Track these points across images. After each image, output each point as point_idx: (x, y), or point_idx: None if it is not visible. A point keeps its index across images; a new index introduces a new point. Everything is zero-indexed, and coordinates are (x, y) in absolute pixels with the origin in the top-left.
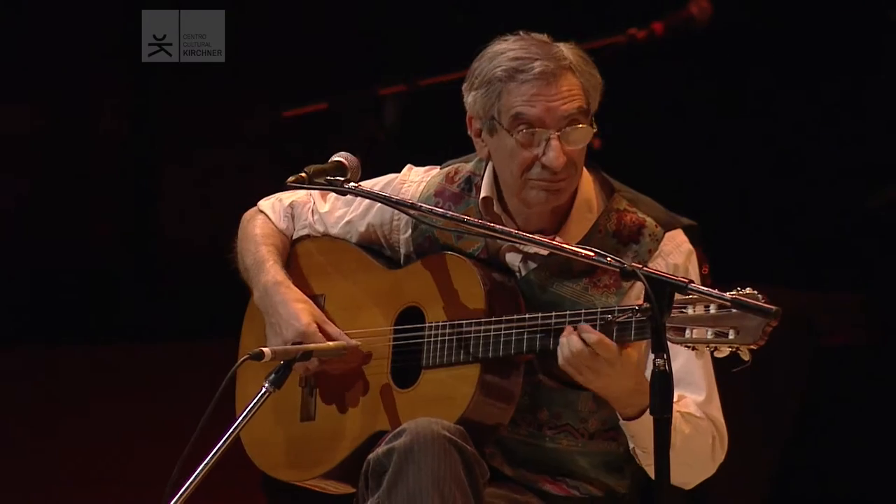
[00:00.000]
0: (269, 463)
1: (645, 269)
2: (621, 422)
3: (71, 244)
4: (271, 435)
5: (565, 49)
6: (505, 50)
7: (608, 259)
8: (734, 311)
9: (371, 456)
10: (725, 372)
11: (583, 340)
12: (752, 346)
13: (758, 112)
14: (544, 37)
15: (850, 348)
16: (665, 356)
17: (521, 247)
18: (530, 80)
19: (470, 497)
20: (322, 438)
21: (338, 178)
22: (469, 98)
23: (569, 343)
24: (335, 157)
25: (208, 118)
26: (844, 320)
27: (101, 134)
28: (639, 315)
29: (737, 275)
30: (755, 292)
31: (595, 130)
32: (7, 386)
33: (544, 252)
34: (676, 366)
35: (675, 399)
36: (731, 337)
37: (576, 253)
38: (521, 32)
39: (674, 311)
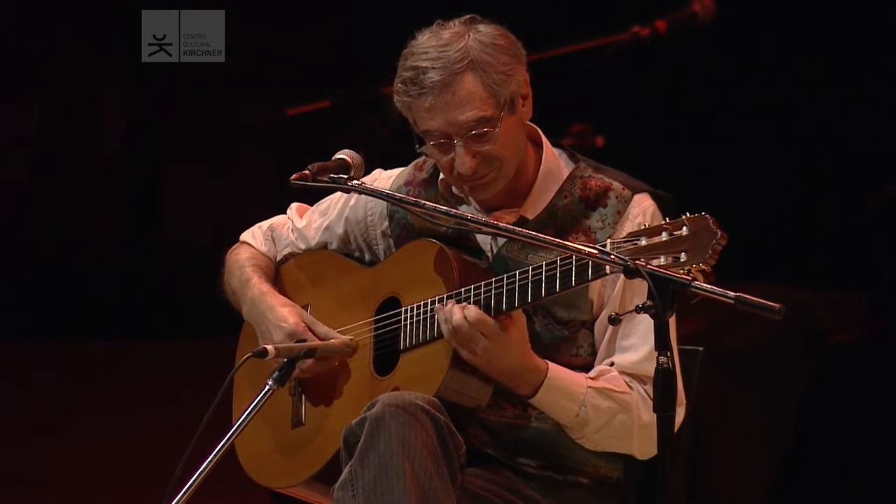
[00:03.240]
0: (264, 475)
1: (649, 266)
2: (529, 401)
3: (72, 241)
4: (265, 447)
5: (471, 41)
6: (409, 54)
7: (612, 256)
8: (685, 233)
9: (346, 427)
10: (726, 366)
11: (464, 317)
12: (703, 267)
13: (760, 109)
14: (456, 27)
15: (853, 346)
16: (668, 353)
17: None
18: (425, 94)
19: (443, 466)
20: (312, 440)
21: (341, 175)
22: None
23: (451, 318)
24: (338, 155)
25: (211, 115)
26: (847, 318)
27: (103, 131)
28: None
29: (739, 272)
30: (704, 214)
31: (498, 129)
32: (7, 382)
33: (511, 222)
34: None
35: (595, 374)
36: (683, 259)
37: (579, 251)
38: (436, 24)
39: (627, 243)
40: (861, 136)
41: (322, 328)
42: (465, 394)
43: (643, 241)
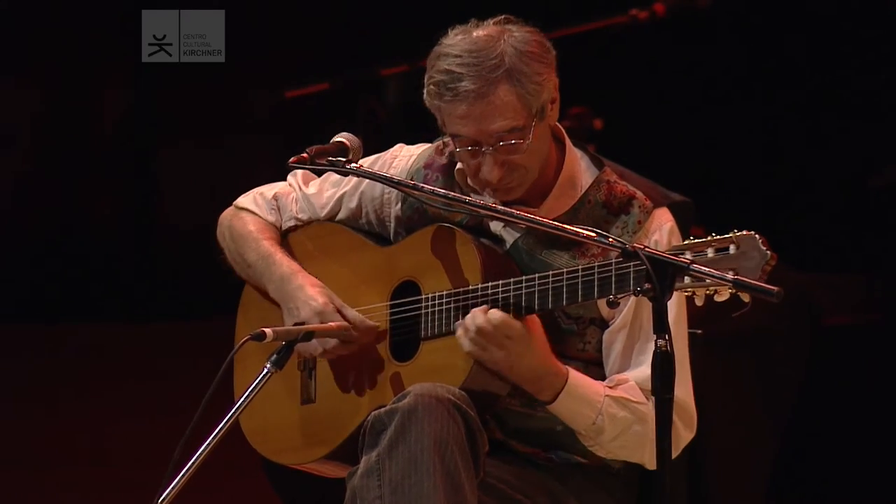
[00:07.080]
0: (270, 448)
1: (647, 249)
2: (547, 408)
3: (72, 224)
4: (272, 420)
5: (507, 47)
6: (442, 54)
7: (610, 239)
8: (732, 252)
9: (372, 414)
10: (725, 348)
11: (488, 320)
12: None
13: (760, 92)
14: (490, 28)
15: (852, 328)
16: (667, 336)
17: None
18: (459, 100)
19: (470, 463)
20: (323, 420)
21: (339, 158)
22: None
23: (475, 321)
24: (337, 138)
25: (209, 97)
26: (846, 300)
27: (102, 115)
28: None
29: None
30: (753, 233)
31: (529, 140)
32: (7, 365)
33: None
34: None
35: (613, 383)
36: (730, 278)
37: (577, 234)
38: (471, 22)
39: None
40: (863, 117)
41: (351, 312)
42: (490, 381)
43: (688, 256)
